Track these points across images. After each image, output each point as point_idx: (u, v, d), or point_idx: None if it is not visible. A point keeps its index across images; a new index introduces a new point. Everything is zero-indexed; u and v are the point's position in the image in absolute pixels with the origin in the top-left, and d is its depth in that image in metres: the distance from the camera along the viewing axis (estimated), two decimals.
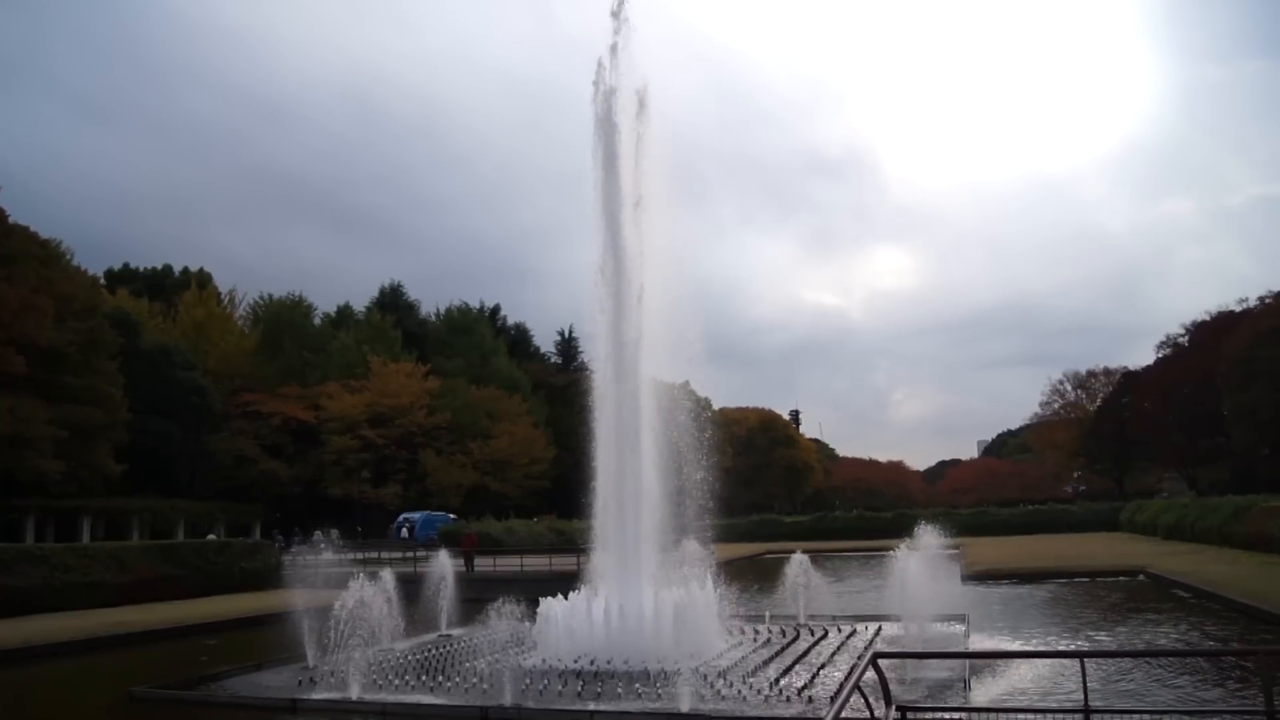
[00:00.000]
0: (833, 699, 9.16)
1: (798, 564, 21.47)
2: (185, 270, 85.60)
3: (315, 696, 13.49)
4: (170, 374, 60.91)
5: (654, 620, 14.96)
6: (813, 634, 18.19)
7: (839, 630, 18.68)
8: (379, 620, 16.50)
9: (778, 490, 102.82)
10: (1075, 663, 6.90)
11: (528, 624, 16.64)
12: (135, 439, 55.07)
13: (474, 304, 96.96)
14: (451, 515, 59.61)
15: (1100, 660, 13.13)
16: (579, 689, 13.00)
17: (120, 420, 53.03)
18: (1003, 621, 20.68)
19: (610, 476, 16.83)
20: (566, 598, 16.43)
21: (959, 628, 17.74)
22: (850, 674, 9.83)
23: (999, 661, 13.93)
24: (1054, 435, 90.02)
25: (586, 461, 17.60)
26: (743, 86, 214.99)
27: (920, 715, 7.89)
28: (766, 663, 14.95)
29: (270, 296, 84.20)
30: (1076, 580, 30.20)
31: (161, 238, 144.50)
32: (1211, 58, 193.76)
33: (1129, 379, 79.97)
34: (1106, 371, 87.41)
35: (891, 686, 6.84)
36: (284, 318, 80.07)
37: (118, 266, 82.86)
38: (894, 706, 6.68)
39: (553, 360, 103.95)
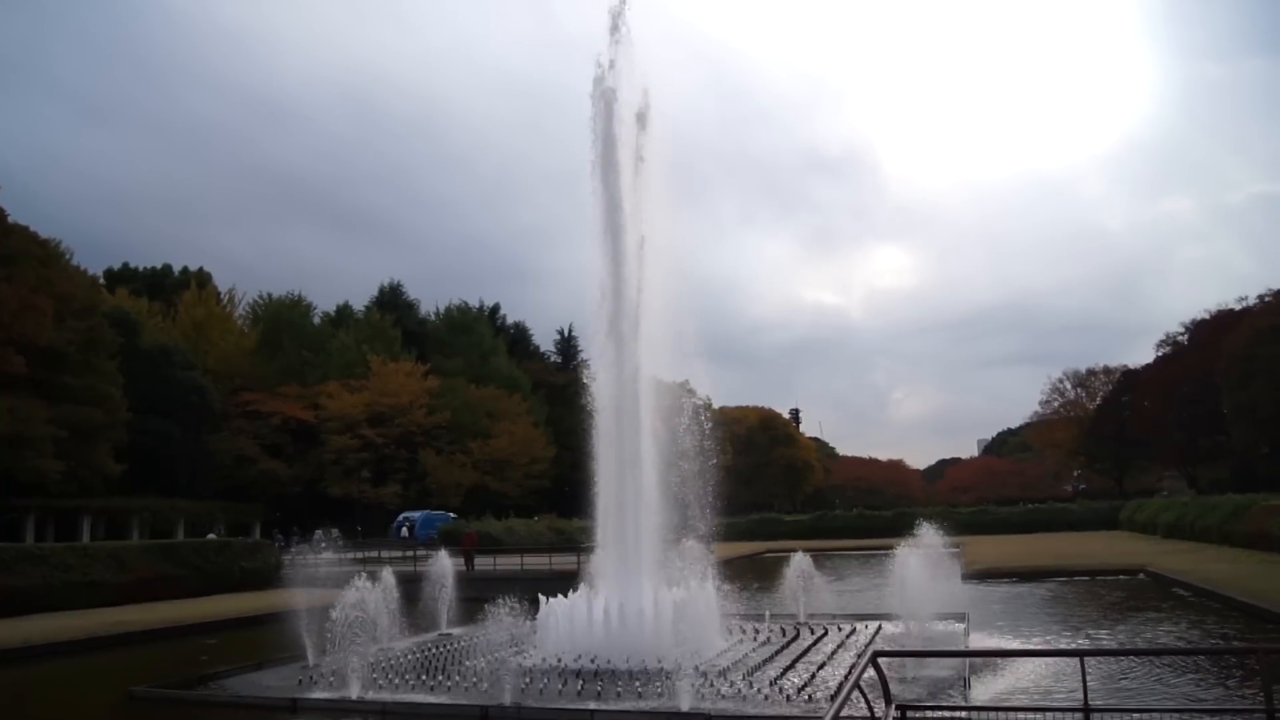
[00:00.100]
0: (833, 698, 9.17)
1: (798, 565, 21.46)
2: (185, 270, 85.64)
3: (315, 696, 13.48)
4: (170, 373, 60.90)
5: (654, 619, 14.96)
6: (813, 633, 18.19)
7: (839, 629, 18.69)
8: (379, 619, 16.50)
9: (778, 489, 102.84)
10: (1075, 661, 6.90)
11: (528, 623, 16.64)
12: (135, 439, 55.07)
13: (474, 303, 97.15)
14: (451, 514, 59.63)
15: (1100, 659, 13.14)
16: (579, 688, 13.01)
17: (120, 420, 53.03)
18: (1003, 620, 20.68)
19: (610, 475, 16.82)
20: (566, 596, 16.44)
21: (959, 626, 17.74)
22: (850, 673, 9.84)
23: (999, 660, 13.93)
24: (1054, 434, 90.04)
25: (586, 461, 17.60)
26: (742, 85, 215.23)
27: (920, 714, 7.89)
28: (767, 661, 14.95)
29: (270, 296, 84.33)
30: (1076, 579, 30.20)
31: (161, 237, 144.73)
32: (1211, 56, 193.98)
33: (1129, 377, 79.98)
34: (1106, 370, 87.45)
35: (891, 685, 6.84)
36: (283, 317, 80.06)
37: (117, 266, 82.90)
38: (894, 705, 6.68)
39: (552, 359, 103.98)
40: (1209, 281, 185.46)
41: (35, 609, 23.57)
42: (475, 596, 22.05)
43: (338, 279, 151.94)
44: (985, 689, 12.30)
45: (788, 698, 11.95)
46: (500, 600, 15.79)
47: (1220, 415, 57.83)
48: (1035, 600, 25.45)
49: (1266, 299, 59.81)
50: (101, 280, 68.91)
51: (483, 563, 35.39)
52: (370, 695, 13.20)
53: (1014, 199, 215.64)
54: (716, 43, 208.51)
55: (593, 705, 11.91)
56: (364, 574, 17.70)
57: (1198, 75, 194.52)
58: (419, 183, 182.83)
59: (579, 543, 31.39)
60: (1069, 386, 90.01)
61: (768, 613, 21.01)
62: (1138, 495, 70.52)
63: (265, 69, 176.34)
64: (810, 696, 11.89)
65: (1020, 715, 7.25)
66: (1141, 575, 29.38)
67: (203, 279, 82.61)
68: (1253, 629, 17.64)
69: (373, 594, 16.53)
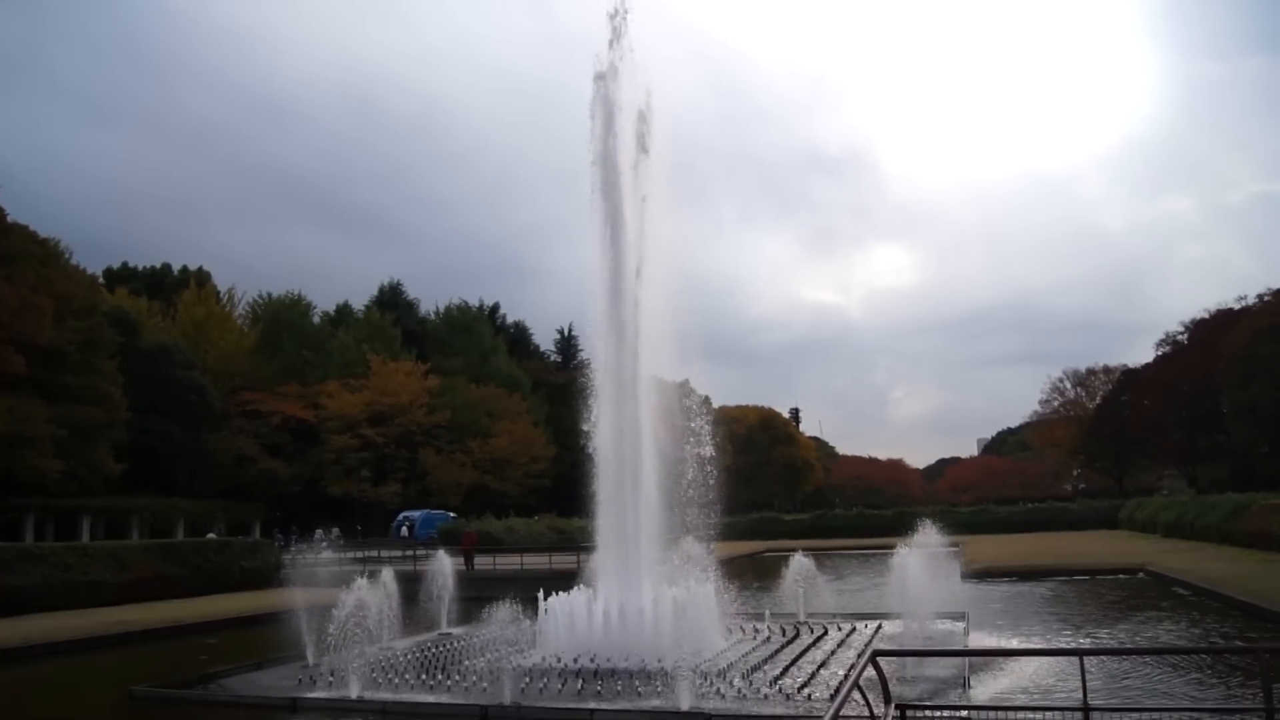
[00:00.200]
0: (832, 697, 9.17)
1: (798, 565, 21.46)
2: (184, 269, 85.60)
3: (315, 695, 13.48)
4: (170, 373, 60.88)
5: (654, 618, 14.95)
6: (812, 632, 18.19)
7: (839, 628, 18.69)
8: (379, 619, 16.49)
9: (778, 488, 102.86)
10: (1075, 660, 6.89)
11: (528, 622, 16.64)
12: (135, 438, 55.06)
13: (473, 302, 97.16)
14: (451, 514, 59.65)
15: (1100, 658, 13.14)
16: (579, 687, 13.00)
17: (120, 419, 53.02)
18: (1003, 619, 20.68)
19: (610, 475, 16.81)
20: (567, 594, 16.43)
21: (959, 625, 17.74)
22: (850, 672, 9.85)
23: (999, 659, 13.93)
24: (1053, 433, 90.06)
25: (586, 460, 17.59)
26: (742, 85, 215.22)
27: (920, 713, 7.89)
28: (766, 661, 14.94)
29: (269, 295, 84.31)
30: (1076, 578, 30.20)
31: (161, 236, 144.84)
32: (1211, 55, 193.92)
33: (1128, 377, 79.99)
34: (1106, 369, 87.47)
35: (891, 684, 6.84)
36: (283, 316, 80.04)
37: (117, 265, 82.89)
38: (894, 704, 6.67)
39: (552, 358, 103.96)
40: (1209, 281, 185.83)
41: (35, 608, 23.57)
42: (475, 596, 22.07)
43: (337, 278, 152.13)
44: (985, 688, 12.30)
45: (788, 697, 11.95)
46: (500, 600, 15.80)
47: (1220, 414, 57.85)
48: (1035, 599, 25.45)
49: (1266, 298, 59.80)
50: (101, 280, 68.86)
51: (482, 562, 35.39)
52: (370, 695, 13.19)
53: (1014, 198, 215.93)
54: (716, 42, 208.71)
55: (593, 705, 11.91)
56: (364, 573, 17.71)
57: (1197, 74, 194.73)
58: (419, 182, 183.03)
59: (579, 542, 31.39)
60: (1069, 386, 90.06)
61: (768, 612, 21.01)
62: (1137, 494, 70.49)
63: (265, 68, 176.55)
64: (810, 696, 11.89)
65: (1020, 715, 7.25)
66: (1141, 574, 29.38)
67: (202, 278, 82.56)
68: (1253, 628, 17.65)
69: (373, 593, 16.53)
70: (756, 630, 18.59)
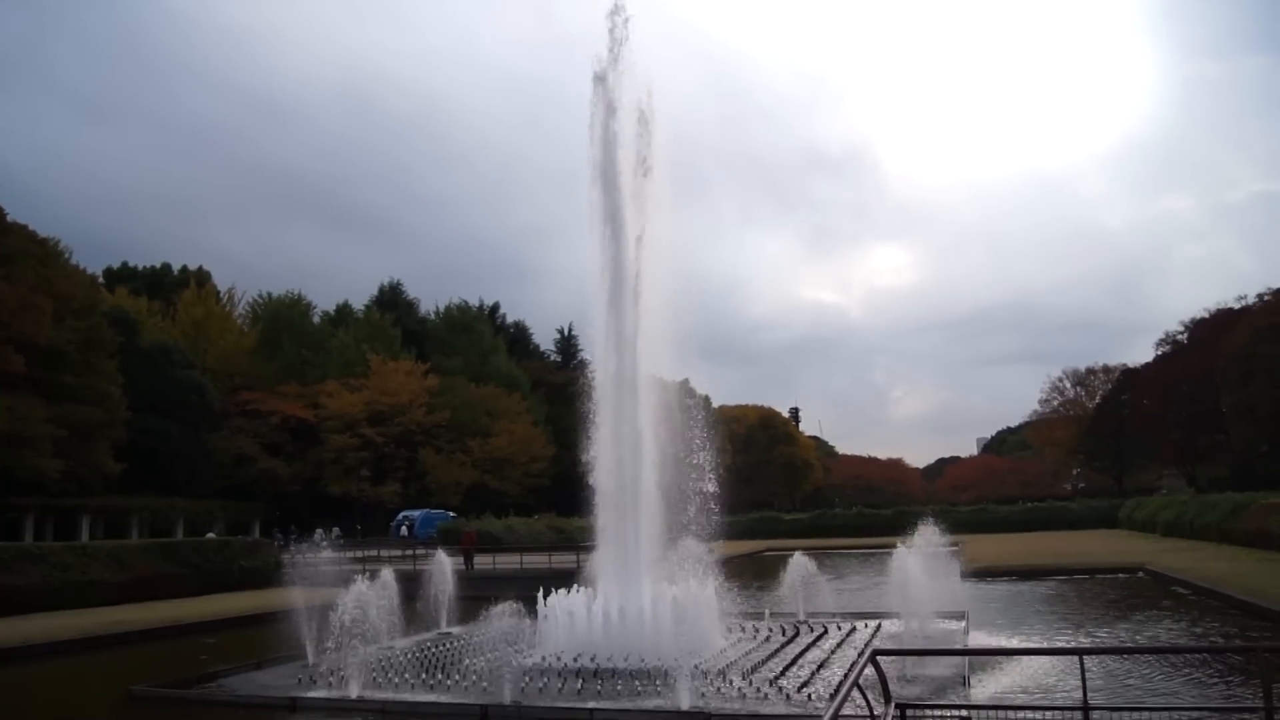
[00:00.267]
0: (832, 696, 9.17)
1: (797, 564, 21.45)
2: (184, 269, 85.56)
3: (315, 695, 13.47)
4: (169, 372, 60.87)
5: (654, 618, 14.95)
6: (812, 631, 18.20)
7: (839, 628, 18.69)
8: (378, 618, 16.47)
9: (777, 487, 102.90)
10: (1075, 660, 6.89)
11: (527, 622, 16.64)
12: (134, 437, 55.05)
13: (473, 302, 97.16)
14: (451, 513, 59.65)
15: (1100, 657, 13.13)
16: (579, 687, 13.00)
17: (119, 419, 53.00)
18: (1002, 619, 20.68)
19: (610, 474, 16.81)
20: (566, 595, 16.43)
21: (958, 625, 17.73)
22: (850, 671, 9.84)
23: (999, 659, 13.93)
24: (1053, 432, 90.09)
25: (586, 460, 17.58)
26: (742, 84, 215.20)
27: (920, 712, 7.89)
28: (766, 660, 14.94)
29: (269, 295, 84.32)
30: (1076, 577, 30.21)
31: (160, 236, 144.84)
32: (1211, 54, 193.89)
33: (1128, 376, 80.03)
34: (1106, 369, 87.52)
35: (891, 684, 6.83)
36: (283, 316, 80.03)
37: (117, 265, 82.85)
38: (893, 704, 6.67)
39: (552, 358, 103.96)
40: (1209, 280, 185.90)
41: (34, 608, 23.57)
42: (475, 595, 22.06)
43: (337, 278, 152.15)
44: (985, 688, 12.30)
45: (787, 697, 11.94)
46: (499, 599, 15.79)
47: (1219, 414, 57.86)
48: (1035, 599, 25.45)
49: (1266, 298, 59.85)
50: (101, 279, 68.83)
51: (482, 561, 35.38)
52: (370, 694, 13.19)
53: (1014, 198, 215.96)
54: (716, 42, 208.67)
55: (592, 704, 11.91)
56: (363, 573, 17.69)
57: (1198, 73, 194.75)
58: (418, 181, 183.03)
59: (579, 541, 31.38)
60: (1068, 385, 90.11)
61: (767, 611, 21.01)
62: (1137, 494, 70.55)
63: (265, 68, 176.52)
64: (810, 695, 11.89)
65: (1020, 714, 7.24)
66: (1141, 574, 29.38)
67: (202, 278, 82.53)
68: (1252, 627, 17.65)
69: (372, 593, 16.51)
70: (756, 630, 18.59)
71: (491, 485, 72.03)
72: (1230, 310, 63.97)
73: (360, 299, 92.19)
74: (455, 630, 20.14)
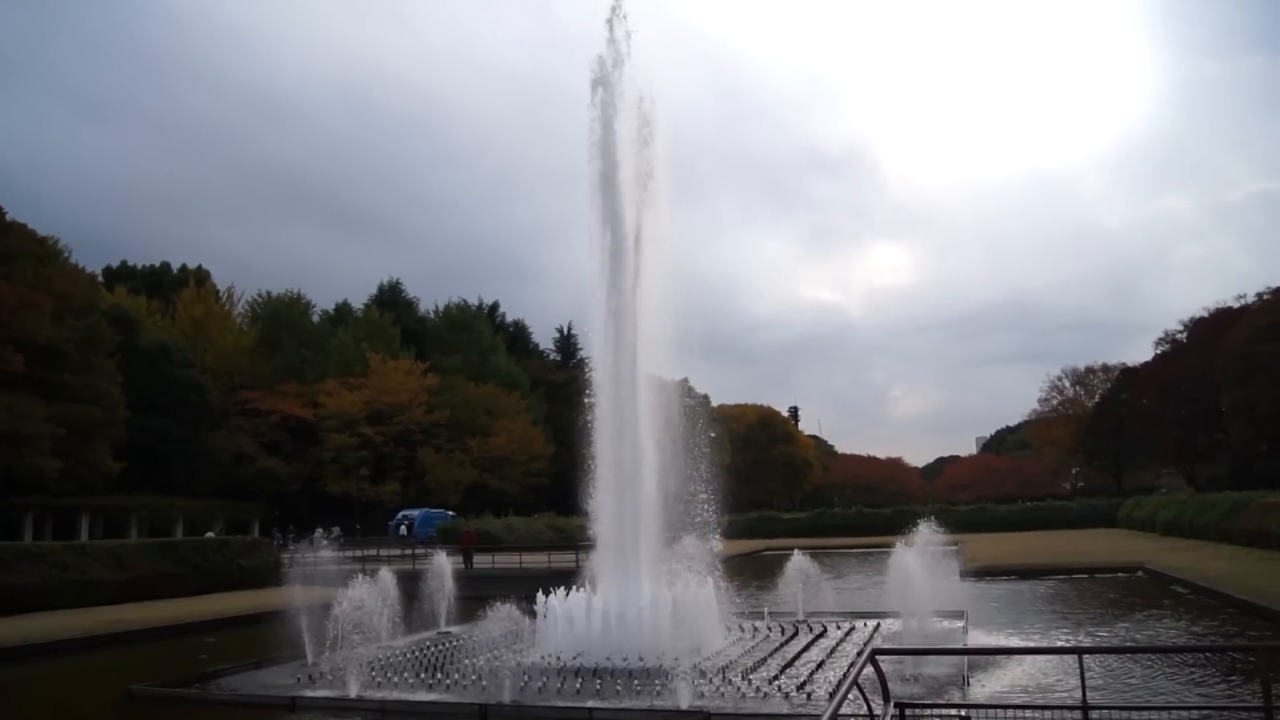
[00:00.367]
0: (831, 695, 9.16)
1: (797, 564, 21.45)
2: (184, 268, 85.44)
3: (314, 694, 13.48)
4: (169, 371, 60.84)
5: (653, 617, 14.95)
6: (811, 630, 18.21)
7: (838, 627, 18.71)
8: (378, 618, 16.48)
9: (777, 487, 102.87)
10: (1075, 659, 6.89)
11: (527, 621, 16.63)
12: (134, 437, 55.02)
13: (473, 301, 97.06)
14: (450, 513, 59.65)
15: (1099, 656, 13.13)
16: (578, 686, 13.01)
17: (119, 418, 52.97)
18: (1002, 618, 20.70)
19: (609, 473, 16.82)
20: (565, 594, 16.43)
21: (958, 624, 17.75)
22: (849, 671, 9.83)
23: (998, 658, 13.94)
24: (1052, 432, 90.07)
25: (585, 459, 17.59)
26: (742, 84, 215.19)
27: (919, 712, 7.89)
28: (765, 659, 14.95)
29: (269, 294, 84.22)
30: (1075, 576, 30.22)
31: (160, 235, 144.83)
32: (1209, 53, 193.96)
33: (1127, 375, 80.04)
34: (1105, 368, 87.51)
35: (890, 683, 6.84)
36: (282, 315, 79.97)
37: (116, 264, 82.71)
38: (892, 703, 6.67)
39: (551, 357, 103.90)
40: (1208, 280, 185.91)
41: (34, 607, 23.57)
42: (474, 595, 22.07)
43: (337, 277, 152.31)
44: (984, 687, 12.30)
45: (786, 696, 11.95)
46: (499, 598, 15.78)
47: (1219, 413, 57.88)
48: (1034, 598, 25.46)
49: (1265, 297, 59.87)
50: (100, 278, 68.74)
51: (481, 561, 35.39)
52: (369, 694, 13.19)
53: (1013, 197, 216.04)
54: (716, 42, 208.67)
55: (592, 703, 11.91)
56: (363, 572, 17.69)
57: (1197, 73, 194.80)
58: (418, 181, 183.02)
59: (578, 541, 31.38)
60: (1068, 384, 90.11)
61: (767, 610, 21.03)
62: (1136, 493, 70.60)
63: (265, 67, 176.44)
64: (809, 695, 11.89)
65: (1019, 713, 7.25)
66: (1140, 573, 29.40)
67: (201, 277, 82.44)
68: (1252, 626, 17.66)
69: (372, 592, 16.51)
70: (755, 629, 18.60)
71: (491, 484, 72.02)
72: (1229, 309, 64.01)
73: (360, 298, 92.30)
74: (454, 629, 20.15)
